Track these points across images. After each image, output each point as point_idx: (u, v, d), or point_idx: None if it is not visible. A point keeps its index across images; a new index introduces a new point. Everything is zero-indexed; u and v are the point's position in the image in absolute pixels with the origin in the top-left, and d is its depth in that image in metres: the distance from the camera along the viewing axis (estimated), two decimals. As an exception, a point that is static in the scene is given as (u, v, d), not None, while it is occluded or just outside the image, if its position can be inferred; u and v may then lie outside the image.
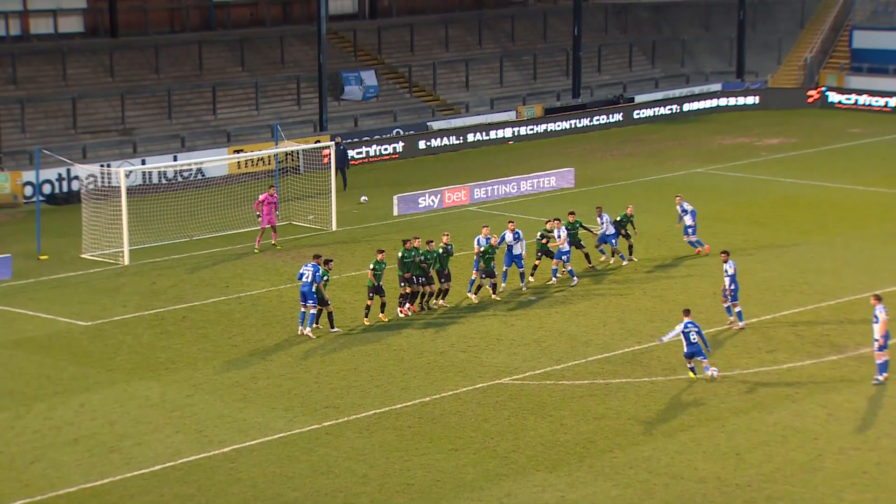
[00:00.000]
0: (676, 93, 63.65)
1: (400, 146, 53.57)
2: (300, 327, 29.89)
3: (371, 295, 30.58)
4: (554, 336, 29.55)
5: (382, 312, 30.81)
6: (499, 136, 56.02)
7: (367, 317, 30.49)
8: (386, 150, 53.04)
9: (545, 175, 45.92)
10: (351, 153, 48.90)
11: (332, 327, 30.14)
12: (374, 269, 30.35)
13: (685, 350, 26.41)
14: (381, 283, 30.46)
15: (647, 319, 30.70)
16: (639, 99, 62.98)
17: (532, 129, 57.25)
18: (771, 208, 38.35)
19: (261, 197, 37.49)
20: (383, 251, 30.80)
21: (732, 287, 29.41)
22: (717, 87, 64.91)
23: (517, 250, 32.77)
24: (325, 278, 30.02)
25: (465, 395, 25.91)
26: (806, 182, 45.77)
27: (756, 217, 39.87)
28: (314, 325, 29.92)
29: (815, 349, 28.02)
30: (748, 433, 23.92)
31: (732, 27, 67.14)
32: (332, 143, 44.53)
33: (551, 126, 57.70)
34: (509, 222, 33.34)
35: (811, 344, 28.52)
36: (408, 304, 31.18)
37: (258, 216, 37.39)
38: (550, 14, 68.88)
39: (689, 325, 26.39)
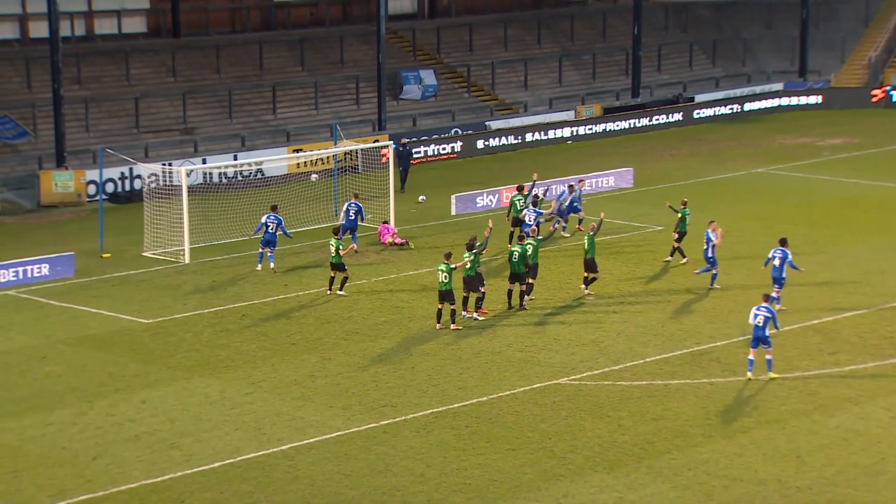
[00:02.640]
0: (737, 92, 63.08)
1: (458, 146, 53.58)
2: (258, 266, 35.08)
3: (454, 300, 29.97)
4: (612, 336, 29.40)
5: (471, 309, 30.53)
6: (557, 136, 55.85)
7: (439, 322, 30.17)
8: (444, 149, 53.07)
9: (604, 175, 45.69)
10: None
11: (341, 290, 32.49)
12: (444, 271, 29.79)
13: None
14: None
15: (706, 320, 30.45)
16: (699, 98, 62.48)
17: (591, 129, 57.00)
18: (832, 209, 37.90)
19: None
20: (451, 254, 30.38)
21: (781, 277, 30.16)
22: (778, 86, 64.23)
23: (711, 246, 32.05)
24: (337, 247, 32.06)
25: (522, 395, 25.86)
26: (868, 182, 45.14)
27: (817, 218, 39.40)
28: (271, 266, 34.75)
29: (877, 351, 27.63)
30: (809, 436, 23.64)
31: (795, 26, 66.40)
32: (390, 143, 44.61)
33: (610, 126, 57.42)
34: (710, 222, 32.27)
35: (873, 346, 28.14)
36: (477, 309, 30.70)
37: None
38: (610, 13, 68.55)
39: (761, 308, 26.07)
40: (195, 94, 53.43)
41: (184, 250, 36.82)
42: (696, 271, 33.10)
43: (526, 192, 37.53)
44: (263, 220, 35.36)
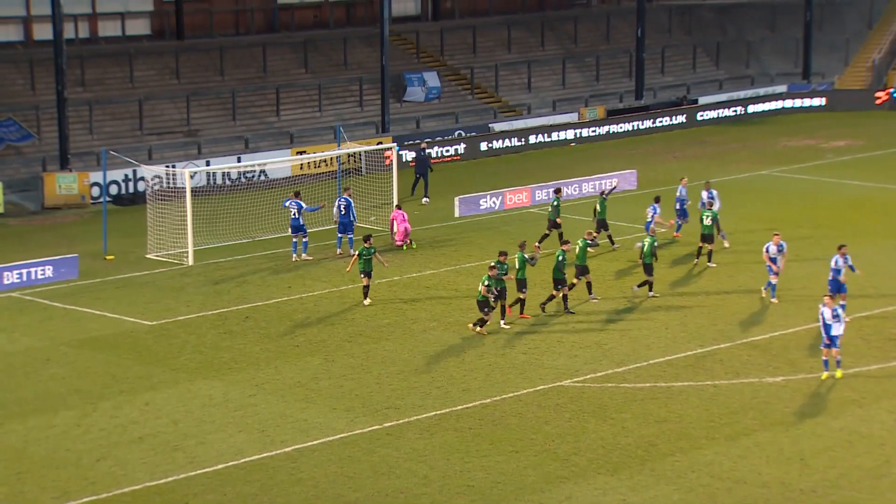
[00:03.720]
0: (741, 94, 63.07)
1: (462, 148, 53.61)
2: (294, 256, 35.89)
3: (486, 310, 29.47)
4: (615, 338, 29.40)
5: (518, 309, 30.45)
6: (561, 138, 55.85)
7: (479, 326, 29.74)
8: (448, 151, 53.10)
9: (608, 177, 45.69)
10: (412, 154, 48.81)
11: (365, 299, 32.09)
12: (487, 285, 29.23)
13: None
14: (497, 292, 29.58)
15: (709, 322, 30.45)
16: (703, 100, 62.47)
17: (594, 131, 57.01)
18: (837, 211, 37.89)
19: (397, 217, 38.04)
20: (494, 267, 29.70)
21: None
22: (782, 88, 64.22)
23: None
24: (369, 253, 31.64)
25: (525, 398, 25.87)
26: (872, 185, 45.11)
27: (822, 220, 39.38)
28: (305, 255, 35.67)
29: (882, 353, 27.61)
30: (813, 438, 23.63)
31: (798, 28, 66.38)
32: (394, 146, 44.62)
33: (614, 128, 57.42)
34: (774, 234, 31.59)
35: (878, 348, 28.12)
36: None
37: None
38: (613, 15, 68.57)
39: (830, 309, 26.12)
40: (199, 96, 53.48)
41: (187, 252, 36.85)
42: (766, 290, 31.55)
43: (604, 194, 37.29)
44: (286, 203, 36.59)
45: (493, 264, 29.97)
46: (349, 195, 37.30)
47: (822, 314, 26.19)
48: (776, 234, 31.57)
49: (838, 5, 71.07)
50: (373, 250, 31.71)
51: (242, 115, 53.85)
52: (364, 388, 26.62)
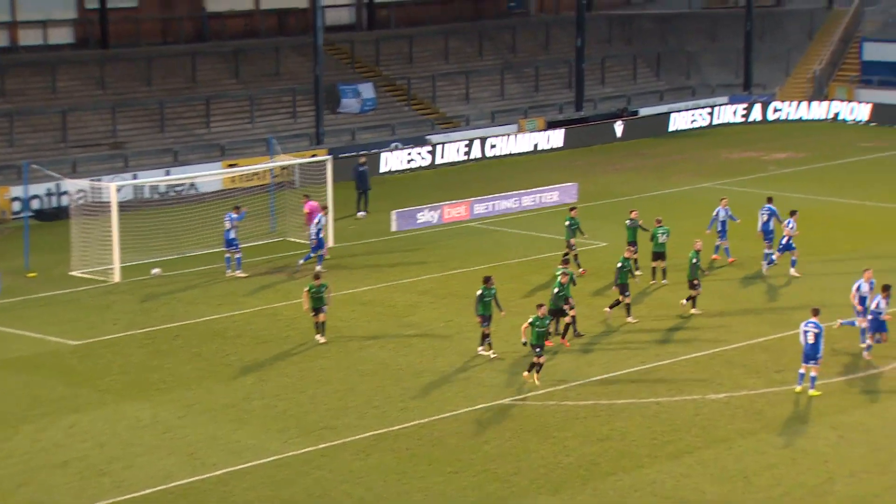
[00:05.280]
0: (681, 105, 63.80)
1: (401, 160, 53.64)
2: (227, 272, 35.77)
3: (539, 350, 27.32)
4: (556, 355, 29.54)
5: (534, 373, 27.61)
6: (501, 151, 56.06)
7: (536, 371, 27.71)
8: (386, 164, 53.10)
9: (548, 190, 45.97)
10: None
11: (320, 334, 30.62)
12: (533, 324, 27.18)
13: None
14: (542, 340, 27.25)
15: (652, 339, 30.71)
16: (643, 112, 63.13)
17: (534, 143, 57.35)
18: (779, 225, 38.35)
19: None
20: (543, 305, 27.68)
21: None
22: (723, 99, 65.05)
23: None
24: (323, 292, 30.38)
25: (465, 416, 25.90)
26: (815, 198, 45.81)
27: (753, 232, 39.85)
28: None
29: (823, 368, 27.98)
30: (756, 456, 23.91)
31: (739, 38, 67.30)
32: (329, 157, 44.56)
33: (553, 139, 57.80)
34: (865, 270, 29.60)
35: (822, 364, 28.46)
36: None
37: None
38: (553, 25, 69.08)
39: (809, 324, 26.44)
40: (125, 107, 53.03)
41: (114, 269, 36.50)
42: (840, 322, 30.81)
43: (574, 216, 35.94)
44: (227, 218, 36.66)
45: (540, 304, 27.68)
46: (325, 213, 37.39)
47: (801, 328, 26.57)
48: (867, 271, 29.67)
49: (779, 16, 72.17)
50: (324, 287, 30.53)
51: (171, 126, 53.48)
52: (298, 408, 26.51)
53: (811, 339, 26.33)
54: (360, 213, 44.99)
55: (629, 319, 31.54)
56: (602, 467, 23.42)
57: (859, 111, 61.81)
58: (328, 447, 24.41)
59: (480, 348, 29.44)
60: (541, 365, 27.34)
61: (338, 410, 26.35)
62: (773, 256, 35.26)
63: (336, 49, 61.36)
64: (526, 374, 27.55)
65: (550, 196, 45.79)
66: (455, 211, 43.70)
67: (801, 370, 26.59)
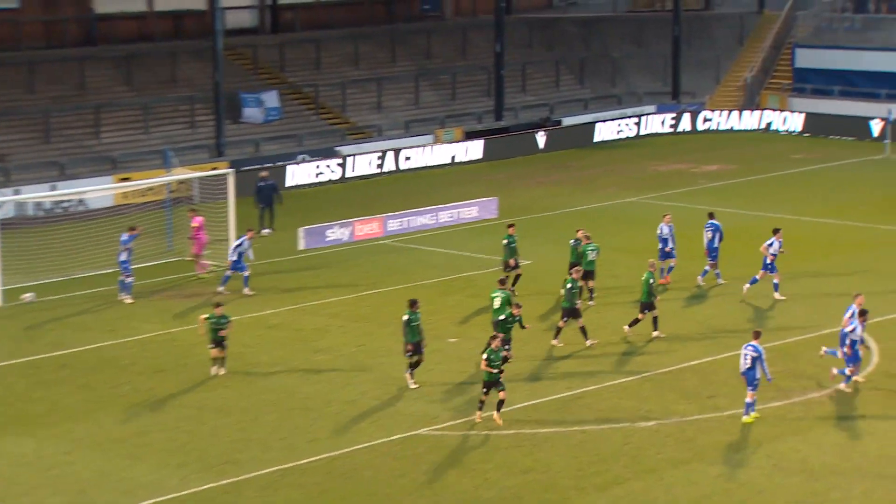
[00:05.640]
0: (607, 115, 64.49)
1: (310, 173, 53.52)
2: (119, 295, 35.85)
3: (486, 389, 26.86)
4: (477, 381, 29.63)
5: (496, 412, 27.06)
6: (415, 163, 56.16)
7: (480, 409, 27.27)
8: (293, 177, 52.95)
9: (466, 205, 46.15)
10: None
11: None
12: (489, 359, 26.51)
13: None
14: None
15: (577, 363, 30.92)
16: (567, 121, 63.70)
17: (451, 155, 57.55)
18: (657, 230, 38.91)
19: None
20: (497, 337, 27.12)
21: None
22: (651, 108, 65.89)
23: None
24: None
25: (379, 448, 25.86)
26: (747, 212, 46.54)
27: (695, 251, 40.34)
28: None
29: (758, 394, 28.39)
30: (688, 486, 24.17)
31: (667, 44, 68.23)
32: (230, 171, 44.31)
33: (472, 151, 58.06)
34: (856, 296, 29.22)
35: (749, 388, 28.85)
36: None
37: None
38: (470, 29, 69.47)
39: (748, 347, 26.71)
40: (6, 116, 52.25)
41: (-6, 292, 35.91)
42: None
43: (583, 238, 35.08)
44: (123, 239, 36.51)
45: (495, 334, 27.77)
46: (250, 237, 37.21)
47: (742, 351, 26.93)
48: (859, 296, 29.19)
49: (707, 20, 73.28)
50: (225, 320, 29.92)
51: (57, 137, 52.78)
52: (198, 441, 26.27)
53: (748, 364, 26.67)
54: (266, 231, 44.78)
55: (587, 343, 31.64)
56: (525, 501, 23.51)
57: (792, 121, 62.99)
58: (231, 483, 24.21)
59: (411, 381, 29.19)
60: (502, 401, 26.62)
61: (241, 443, 26.16)
62: (757, 277, 35.25)
63: (237, 54, 61.07)
64: (496, 415, 26.75)
65: (469, 211, 45.95)
66: (367, 228, 43.69)
67: (747, 399, 26.85)
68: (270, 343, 32.67)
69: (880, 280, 37.12)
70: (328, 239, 42.83)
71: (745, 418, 26.78)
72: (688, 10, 70.23)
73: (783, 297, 35.20)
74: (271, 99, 58.48)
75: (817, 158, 56.91)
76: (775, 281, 35.40)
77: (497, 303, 30.66)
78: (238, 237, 38.10)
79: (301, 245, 42.17)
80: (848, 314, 28.86)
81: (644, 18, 73.78)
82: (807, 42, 66.86)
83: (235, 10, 63.72)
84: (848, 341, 28.44)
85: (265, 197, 45.34)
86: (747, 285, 35.43)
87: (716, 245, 36.77)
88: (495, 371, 26.58)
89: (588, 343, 31.59)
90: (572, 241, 35.56)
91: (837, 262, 39.52)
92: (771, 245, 35.27)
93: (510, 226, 36.59)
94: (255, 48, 62.06)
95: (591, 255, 35.03)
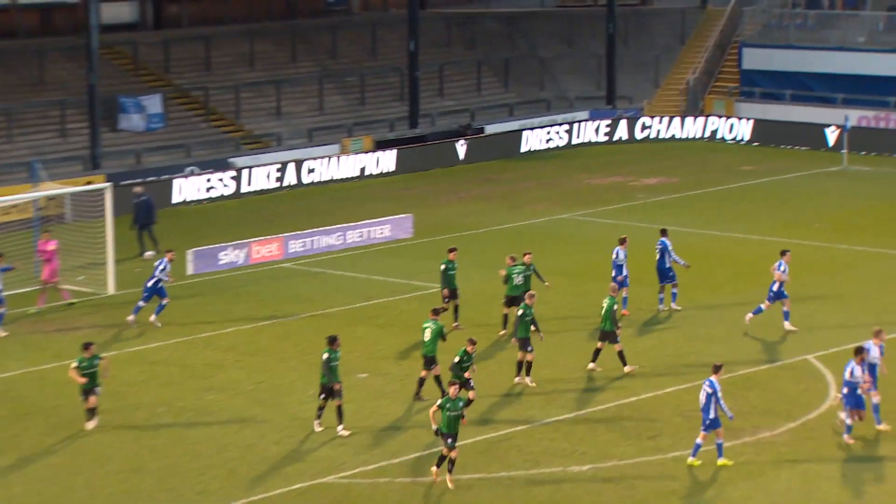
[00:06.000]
0: (535, 122, 64.90)
1: (201, 189, 53.25)
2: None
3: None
4: (389, 421, 29.59)
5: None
6: (320, 177, 56.07)
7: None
8: (179, 194, 52.65)
9: (377, 223, 46.14)
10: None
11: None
12: (442, 406, 26.05)
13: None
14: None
15: (504, 402, 30.99)
16: (490, 129, 64.03)
17: (361, 166, 57.55)
18: (651, 263, 39.28)
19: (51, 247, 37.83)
20: (456, 383, 26.65)
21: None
22: (583, 114, 66.43)
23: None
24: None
25: (279, 499, 25.71)
26: (691, 230, 47.01)
27: (634, 273, 40.66)
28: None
29: (712, 433, 28.63)
30: (628, 537, 24.28)
31: (601, 43, 68.89)
32: (108, 185, 43.95)
33: (384, 162, 58.12)
34: (876, 330, 29.10)
35: (699, 426, 29.12)
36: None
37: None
38: (380, 25, 69.65)
39: (705, 382, 26.82)
40: None
41: None
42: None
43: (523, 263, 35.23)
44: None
45: (453, 379, 27.14)
46: (171, 258, 36.85)
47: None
48: (880, 332, 28.94)
49: (645, 16, 74.09)
50: (97, 360, 29.31)
51: None
52: (71, 494, 25.96)
53: (703, 400, 26.83)
54: (148, 253, 44.44)
55: (527, 381, 31.49)
56: (446, 557, 23.47)
57: (740, 129, 63.84)
58: (110, 542, 23.93)
59: (317, 422, 28.92)
60: (453, 461, 25.92)
61: (121, 496, 25.89)
62: (762, 306, 35.00)
63: (115, 53, 60.65)
64: (434, 469, 26.23)
65: (381, 230, 45.95)
66: (265, 249, 43.51)
67: (698, 440, 27.04)
68: (155, 381, 32.37)
69: (839, 306, 37.65)
70: (221, 262, 42.58)
71: (720, 460, 26.88)
72: (623, 4, 71.02)
73: (795, 329, 34.98)
74: (154, 104, 58.12)
75: (767, 170, 57.69)
76: (785, 309, 35.09)
77: (427, 334, 30.62)
78: (157, 260, 37.61)
79: (190, 269, 41.88)
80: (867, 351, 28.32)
81: (575, 14, 74.46)
82: (755, 41, 67.79)
83: (113, 3, 63.31)
84: (845, 389, 27.71)
85: (142, 215, 45.03)
86: (750, 315, 35.23)
87: (667, 266, 37.01)
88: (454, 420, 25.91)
89: (527, 381, 31.57)
90: (519, 264, 35.35)
91: (790, 286, 40.00)
92: (782, 269, 34.83)
93: (451, 250, 36.03)
94: (136, 46, 61.65)
95: (517, 279, 35.16)
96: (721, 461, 26.75)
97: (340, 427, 28.64)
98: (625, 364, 32.22)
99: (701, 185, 54.83)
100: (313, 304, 38.65)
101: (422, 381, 30.67)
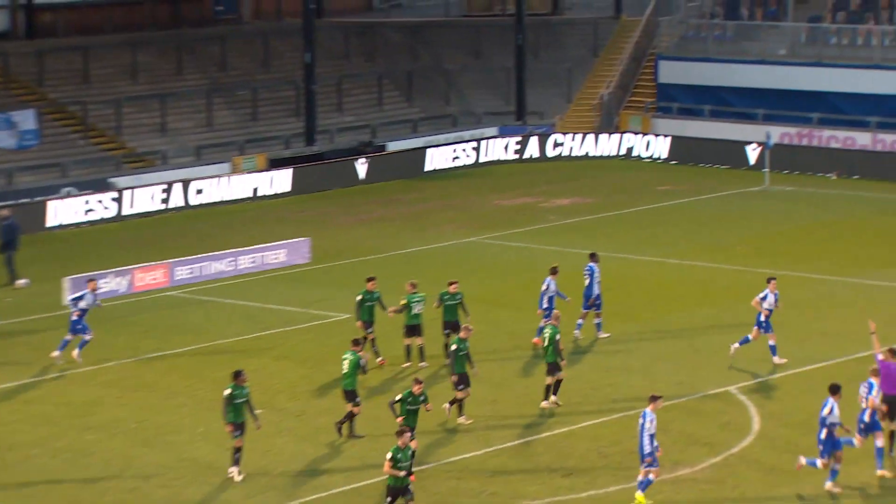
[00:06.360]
0: (440, 139, 65.06)
1: (83, 210, 52.79)
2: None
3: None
4: (285, 461, 29.49)
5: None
6: (209, 198, 55.73)
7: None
8: (54, 215, 52.17)
9: (272, 248, 46.02)
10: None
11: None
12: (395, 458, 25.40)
13: None
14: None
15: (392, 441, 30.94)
16: (392, 146, 64.10)
17: (253, 187, 57.35)
18: (565, 289, 39.55)
19: None
20: (406, 432, 25.85)
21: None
22: (492, 131, 66.68)
23: None
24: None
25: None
26: (607, 254, 47.27)
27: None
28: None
29: (622, 471, 28.81)
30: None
31: (509, 55, 69.22)
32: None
33: (278, 182, 57.95)
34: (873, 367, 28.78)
35: (617, 465, 29.29)
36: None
37: None
38: (273, 35, 69.49)
39: (643, 414, 26.81)
40: None
41: None
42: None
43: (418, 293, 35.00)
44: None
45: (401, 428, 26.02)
46: (93, 288, 36.38)
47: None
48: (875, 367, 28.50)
49: (556, 27, 74.52)
50: None
51: None
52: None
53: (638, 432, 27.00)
54: (22, 281, 43.98)
55: (462, 420, 31.41)
56: None
57: (656, 146, 64.42)
58: None
59: (234, 469, 28.54)
60: None
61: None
62: (749, 336, 34.83)
63: (-16, 63, 59.99)
64: None
65: (276, 255, 45.84)
66: (150, 276, 43.25)
67: (640, 476, 27.14)
68: (29, 420, 31.99)
69: (761, 336, 38.08)
70: (101, 291, 42.18)
71: (637, 494, 26.99)
72: (533, 14, 71.37)
73: (784, 361, 34.95)
74: (27, 120, 57.54)
75: (686, 190, 58.22)
76: (771, 343, 34.92)
77: (345, 366, 30.56)
78: (77, 291, 37.05)
79: (67, 299, 41.46)
80: (863, 389, 28.03)
81: (482, 24, 74.71)
82: (671, 53, 68.50)
83: (-19, 10, 62.71)
84: (824, 431, 27.25)
85: (9, 241, 44.61)
86: (736, 345, 35.14)
87: (594, 292, 37.25)
88: (402, 474, 25.17)
89: (462, 420, 31.45)
90: (446, 294, 35.32)
91: (710, 314, 40.44)
92: (765, 299, 34.76)
93: (370, 279, 35.71)
94: (6, 57, 61.03)
95: (416, 308, 35.18)
96: (639, 496, 26.89)
97: (234, 469, 28.48)
98: (547, 397, 32.26)
99: (616, 206, 55.23)
100: (202, 335, 38.42)
101: (349, 416, 30.63)
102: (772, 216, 53.69)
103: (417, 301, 35.20)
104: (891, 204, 55.04)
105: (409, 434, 25.50)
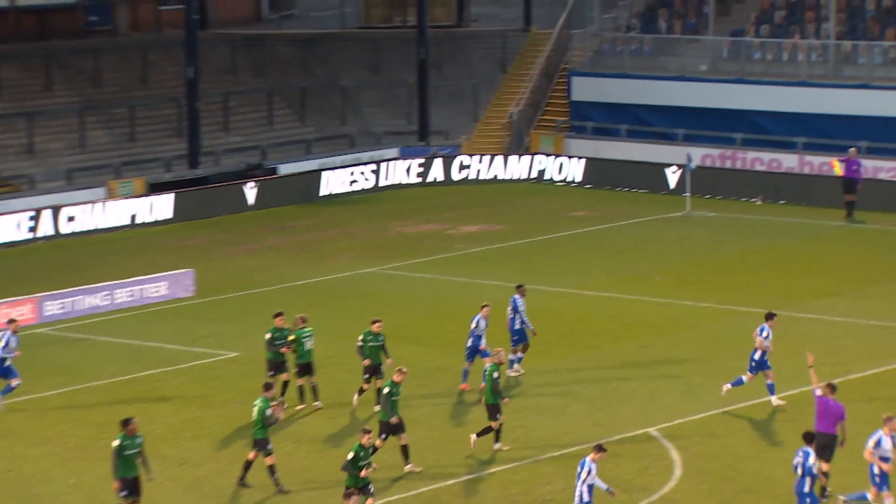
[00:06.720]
0: (337, 161, 64.94)
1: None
2: None
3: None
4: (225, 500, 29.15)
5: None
6: (82, 226, 55.17)
7: None
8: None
9: (152, 280, 45.62)
10: None
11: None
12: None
13: None
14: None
15: (339, 480, 30.73)
16: (284, 169, 63.86)
17: (131, 213, 56.82)
18: (471, 322, 39.47)
19: None
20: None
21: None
22: (392, 152, 66.68)
23: None
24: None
25: None
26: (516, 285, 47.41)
27: (451, 336, 40.84)
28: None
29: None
30: None
31: (411, 70, 69.28)
32: None
33: (159, 208, 57.49)
34: (887, 420, 28.28)
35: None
36: None
37: None
38: (152, 48, 69.04)
39: (581, 463, 26.72)
40: None
41: None
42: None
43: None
44: None
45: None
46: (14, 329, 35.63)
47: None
48: (891, 420, 28.03)
49: (461, 39, 74.72)
50: None
51: None
52: None
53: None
54: None
55: (408, 468, 31.18)
56: None
57: (570, 169, 64.63)
58: None
59: None
60: None
61: None
62: (744, 378, 34.61)
63: None
64: None
65: (156, 288, 45.48)
66: (16, 312, 42.62)
67: None
68: None
69: (682, 372, 38.22)
70: (-38, 328, 41.58)
71: None
72: (436, 26, 71.48)
73: (782, 402, 34.77)
74: None
75: (602, 216, 58.48)
76: (769, 382, 34.64)
77: (254, 413, 30.12)
78: None
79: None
80: (873, 442, 27.73)
81: (381, 37, 74.75)
82: (585, 69, 68.80)
83: None
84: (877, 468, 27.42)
85: None
86: (728, 386, 34.92)
87: (517, 327, 37.21)
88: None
89: (408, 467, 31.24)
90: (369, 335, 34.96)
91: (628, 350, 40.55)
92: (766, 335, 34.35)
93: (277, 315, 35.15)
94: None
95: (307, 344, 34.96)
96: None
97: None
98: (478, 435, 32.11)
99: (527, 234, 55.37)
100: (75, 376, 37.95)
101: (248, 465, 30.30)
102: (694, 244, 54.04)
103: (307, 336, 34.96)
104: (820, 230, 55.60)
105: (356, 497, 25.48)
